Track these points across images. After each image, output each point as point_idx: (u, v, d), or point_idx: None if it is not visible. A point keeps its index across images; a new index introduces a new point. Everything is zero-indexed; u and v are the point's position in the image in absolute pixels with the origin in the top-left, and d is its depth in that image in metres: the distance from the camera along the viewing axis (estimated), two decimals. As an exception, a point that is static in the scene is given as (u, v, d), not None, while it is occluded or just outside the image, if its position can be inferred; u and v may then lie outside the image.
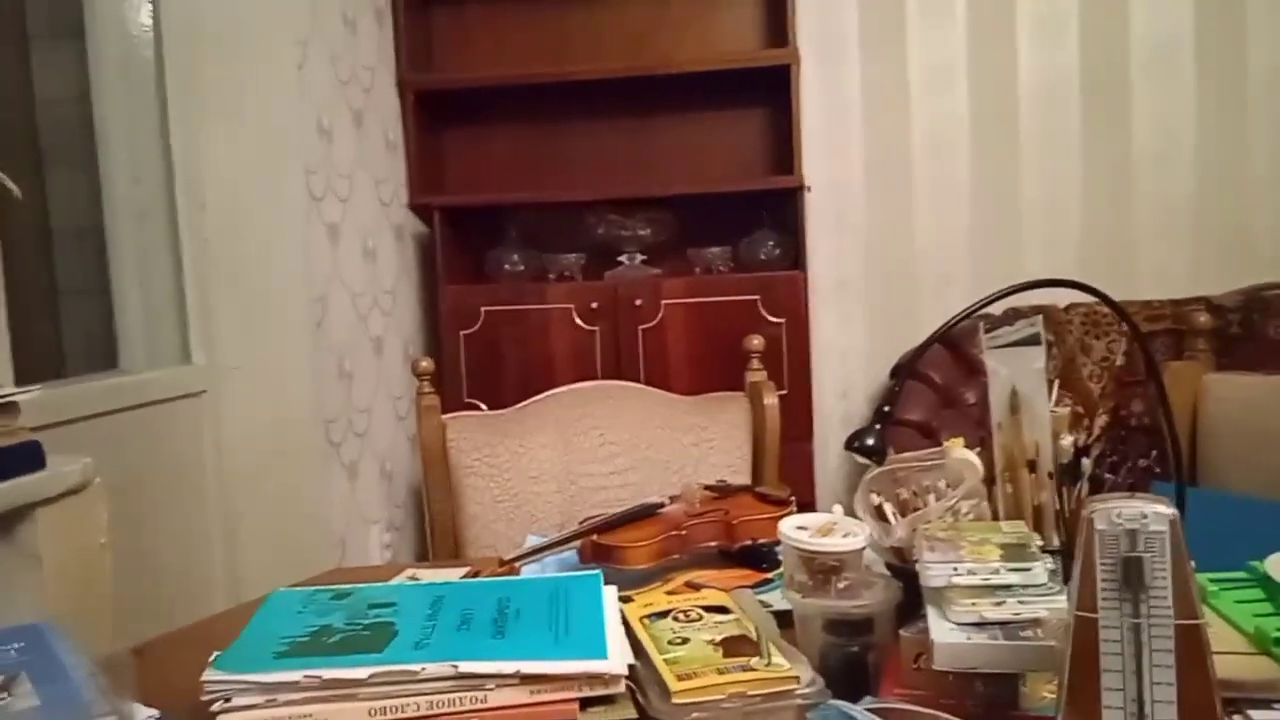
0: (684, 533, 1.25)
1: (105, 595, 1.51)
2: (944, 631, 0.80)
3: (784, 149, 2.96)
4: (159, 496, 2.00)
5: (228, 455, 2.18)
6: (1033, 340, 1.03)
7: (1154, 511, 0.67)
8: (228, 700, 0.88)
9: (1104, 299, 1.05)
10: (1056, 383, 1.06)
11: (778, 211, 2.94)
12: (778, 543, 1.16)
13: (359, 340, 2.66)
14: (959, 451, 1.02)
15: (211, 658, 0.91)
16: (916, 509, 1.00)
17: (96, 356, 2.13)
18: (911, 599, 0.94)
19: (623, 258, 3.00)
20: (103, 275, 2.14)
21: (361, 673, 0.88)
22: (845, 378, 3.22)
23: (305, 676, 0.88)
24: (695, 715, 0.88)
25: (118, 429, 1.89)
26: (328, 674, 0.88)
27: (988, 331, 1.04)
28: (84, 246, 2.14)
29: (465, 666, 0.89)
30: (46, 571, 1.44)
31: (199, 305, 2.17)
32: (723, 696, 0.89)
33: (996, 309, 1.87)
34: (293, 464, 2.31)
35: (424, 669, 0.89)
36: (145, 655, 1.11)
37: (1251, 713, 0.72)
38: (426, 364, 1.73)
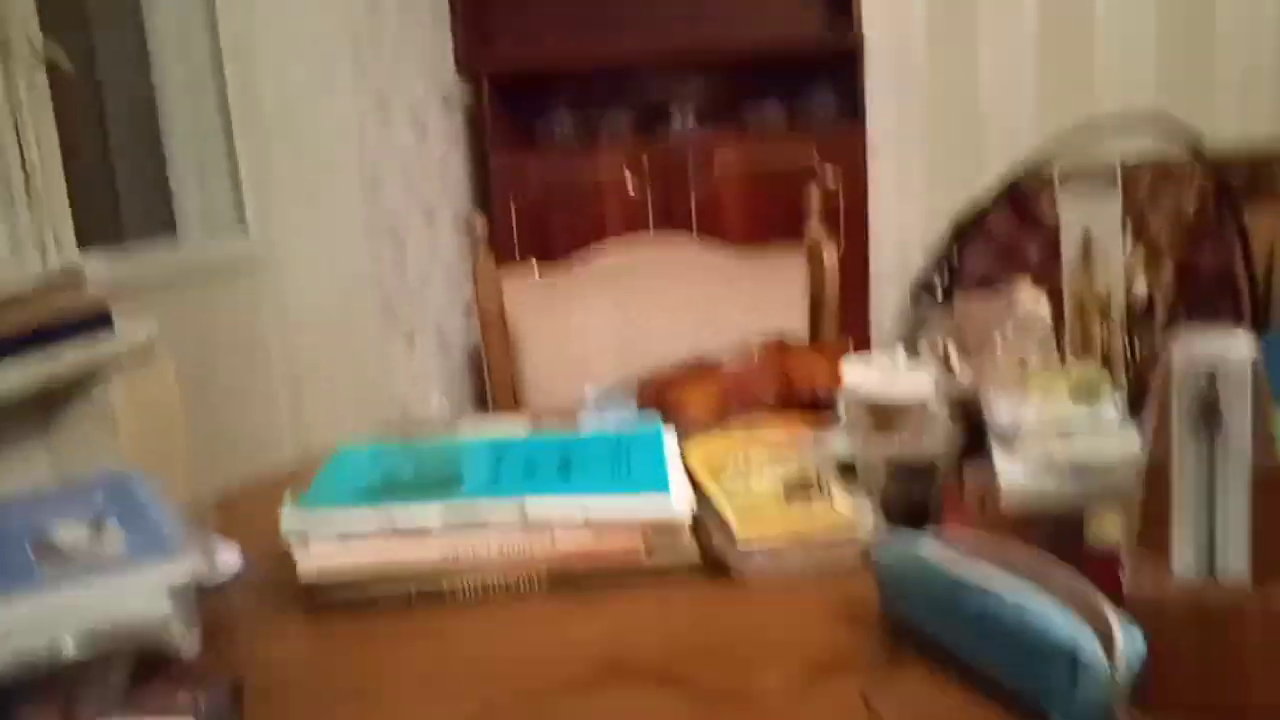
0: (743, 387, 1.25)
1: (179, 453, 1.56)
2: (1012, 473, 0.80)
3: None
4: (224, 364, 2.05)
5: (289, 323, 2.22)
6: (1109, 187, 0.99)
7: (1234, 348, 0.65)
8: (304, 542, 0.91)
9: (1182, 134, 1.00)
10: (1130, 227, 1.03)
11: (835, 65, 2.84)
12: (837, 392, 1.16)
13: (411, 210, 2.66)
14: (1027, 294, 1.00)
15: (286, 502, 0.94)
16: (983, 353, 0.99)
17: (154, 225, 2.16)
18: (976, 443, 0.93)
19: (674, 120, 2.93)
20: (156, 147, 2.15)
21: (433, 514, 0.91)
22: (904, 233, 3.14)
23: (379, 519, 0.91)
24: (759, 557, 0.90)
25: (180, 297, 1.93)
26: (400, 516, 0.91)
27: (1062, 181, 1.00)
28: (137, 118, 2.14)
29: (533, 508, 0.91)
30: (122, 430, 1.49)
31: (252, 175, 2.17)
32: (786, 539, 0.90)
33: (1064, 168, 1.80)
34: (352, 331, 2.35)
35: (493, 510, 0.91)
36: (224, 506, 1.15)
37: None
38: (480, 223, 1.72)
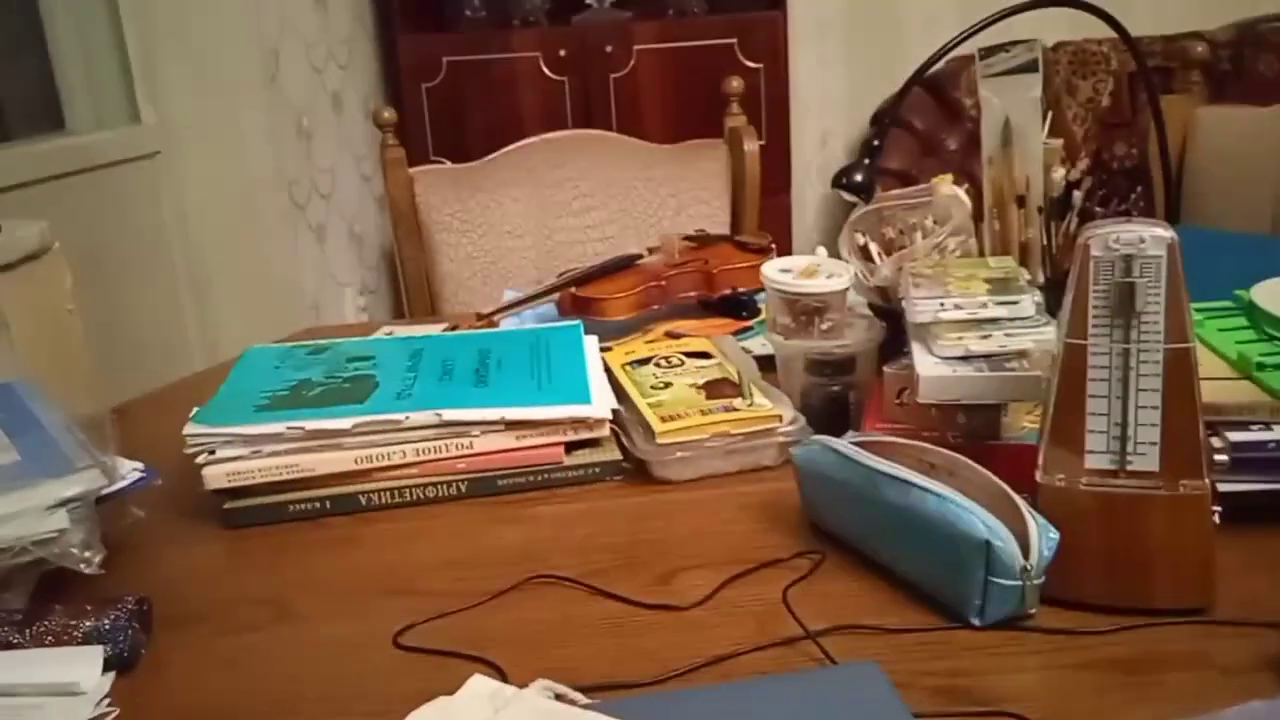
0: (663, 283, 1.23)
1: (77, 360, 1.49)
2: (929, 365, 0.80)
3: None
4: (123, 262, 1.95)
5: (191, 219, 2.12)
6: (1029, 67, 0.97)
7: (1152, 235, 0.65)
8: (211, 453, 0.88)
9: (1105, 17, 0.99)
10: (1050, 114, 1.02)
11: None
12: (759, 291, 1.15)
13: (316, 96, 2.53)
14: (946, 188, 0.99)
15: (192, 413, 0.90)
16: (902, 248, 0.98)
17: (40, 119, 2.02)
18: (895, 339, 0.93)
19: (591, 1, 2.83)
20: (36, 29, 2.00)
21: (345, 423, 0.88)
22: (825, 125, 3.13)
23: (289, 428, 0.88)
24: (679, 454, 0.89)
25: (71, 193, 1.82)
26: (311, 425, 0.88)
27: (983, 58, 0.98)
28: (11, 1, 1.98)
29: (450, 414, 0.89)
30: (14, 337, 1.42)
31: (143, 60, 2.04)
32: (706, 436, 0.89)
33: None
34: (258, 227, 2.25)
35: (408, 418, 0.89)
36: (125, 415, 1.10)
37: (1229, 434, 0.73)
38: (389, 114, 1.64)
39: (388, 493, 0.89)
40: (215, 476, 0.87)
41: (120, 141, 2.01)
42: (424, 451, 0.89)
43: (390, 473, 0.89)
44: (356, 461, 0.89)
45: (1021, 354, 0.79)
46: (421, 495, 0.90)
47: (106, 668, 0.67)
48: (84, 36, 2.02)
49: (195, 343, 2.14)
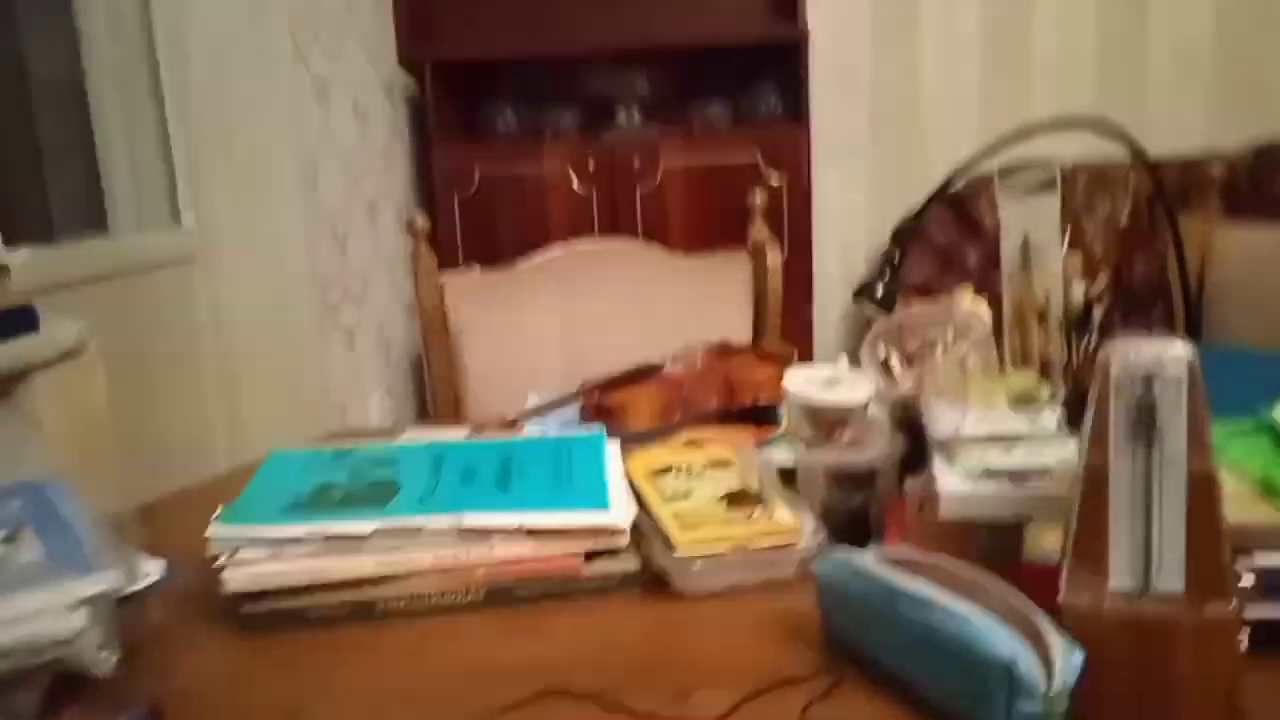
0: (685, 392, 1.24)
1: (107, 458, 1.51)
2: (950, 481, 0.80)
3: (786, -1, 2.84)
4: (157, 362, 1.99)
5: (224, 320, 2.16)
6: (1047, 188, 0.99)
7: (1171, 354, 0.65)
8: (233, 554, 0.88)
9: (1124, 139, 1.01)
10: (1069, 230, 1.03)
11: (779, 64, 2.85)
12: (780, 401, 1.15)
13: (352, 204, 2.61)
14: (967, 301, 1.00)
15: (216, 513, 0.91)
16: (924, 361, 0.99)
17: (85, 220, 2.09)
18: (917, 452, 0.93)
19: (620, 116, 2.92)
20: (86, 134, 2.08)
21: (366, 527, 0.88)
22: (847, 239, 3.18)
23: (309, 531, 0.88)
24: (698, 566, 0.89)
25: (111, 294, 1.87)
26: (332, 529, 0.88)
27: (1002, 178, 1.00)
28: (65, 104, 2.07)
29: (469, 520, 0.89)
30: (48, 435, 1.44)
31: (186, 165, 2.11)
32: (726, 548, 0.89)
33: (1004, 172, 1.82)
34: (290, 329, 2.30)
35: (428, 523, 0.89)
36: (151, 514, 1.11)
37: (1256, 557, 0.72)
38: (422, 221, 1.69)
39: (405, 599, 0.89)
40: (236, 579, 0.87)
41: (160, 244, 2.08)
42: (443, 558, 0.89)
43: (409, 579, 0.89)
44: (375, 567, 0.89)
45: (1043, 471, 0.79)
46: (439, 603, 0.89)
47: (116, 774, 0.67)
48: (132, 142, 2.10)
49: (223, 442, 2.16)
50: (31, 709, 0.72)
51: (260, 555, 0.88)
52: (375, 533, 0.88)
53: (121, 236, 2.09)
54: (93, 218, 2.09)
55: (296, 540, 0.88)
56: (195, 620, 0.89)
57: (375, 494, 0.95)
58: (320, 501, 0.94)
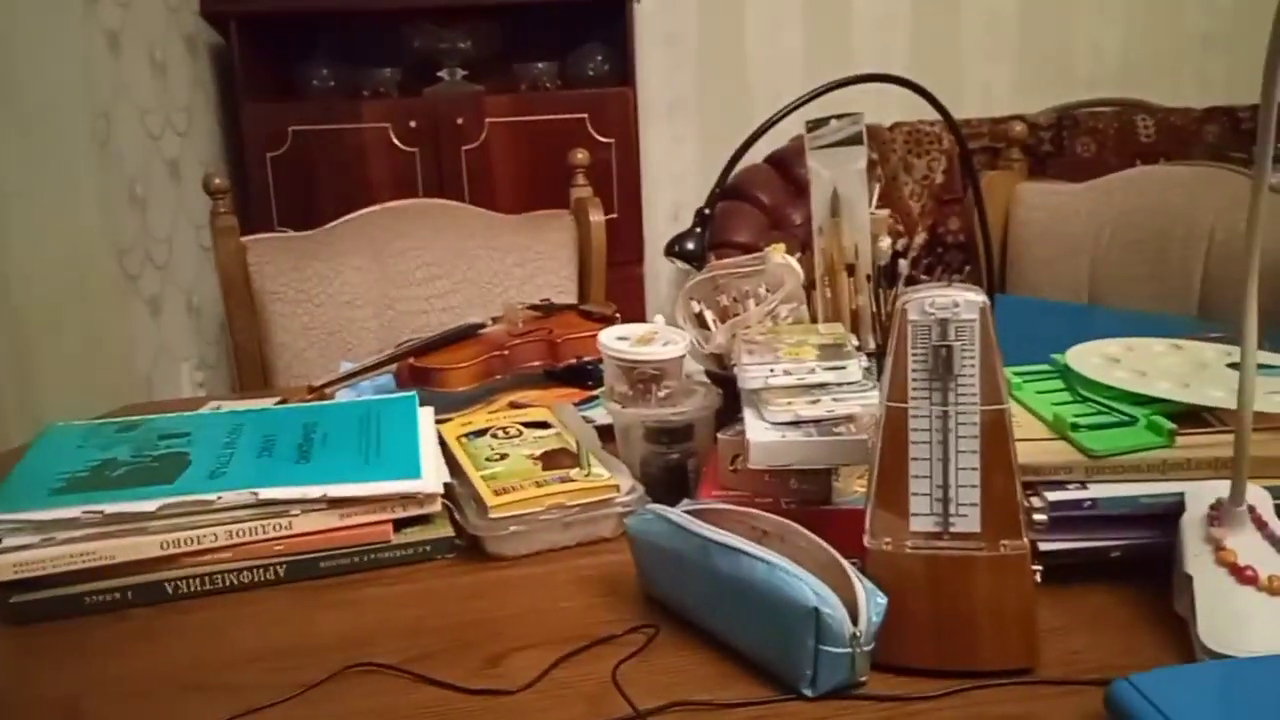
0: (506, 353, 1.21)
1: None
2: (760, 431, 0.79)
3: (611, -43, 2.80)
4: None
5: (13, 288, 1.98)
6: (854, 140, 1.00)
7: (965, 300, 0.66)
8: (-2, 541, 0.80)
9: (927, 97, 1.03)
10: (878, 186, 1.05)
11: (606, 24, 2.81)
12: (602, 360, 1.14)
13: (152, 163, 2.43)
14: (779, 256, 1.00)
15: (-23, 498, 0.83)
16: (736, 315, 0.99)
17: None
18: (731, 405, 0.93)
19: (443, 73, 2.83)
20: None
21: (149, 505, 0.82)
22: (677, 201, 3.19)
23: (85, 512, 0.81)
24: (514, 528, 0.86)
25: None
26: (111, 508, 0.81)
27: (810, 130, 1.01)
28: None
29: (267, 493, 0.84)
30: None
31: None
32: (541, 508, 0.87)
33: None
34: (87, 297, 2.13)
35: (220, 498, 0.83)
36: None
37: (1047, 493, 0.75)
38: (220, 181, 1.58)
39: (198, 579, 0.83)
40: (1, 567, 0.79)
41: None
42: (238, 534, 0.84)
43: (200, 557, 0.83)
44: (162, 546, 0.82)
45: (849, 418, 0.80)
46: (236, 581, 0.84)
47: None
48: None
49: (14, 422, 1.99)
50: None
51: (29, 540, 0.80)
52: (160, 509, 0.82)
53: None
54: None
55: (70, 522, 0.80)
56: (-44, 615, 0.81)
57: (162, 469, 0.88)
58: (99, 479, 0.86)
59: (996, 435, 0.67)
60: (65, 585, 0.81)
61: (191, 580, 0.83)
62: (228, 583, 0.84)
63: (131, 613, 0.81)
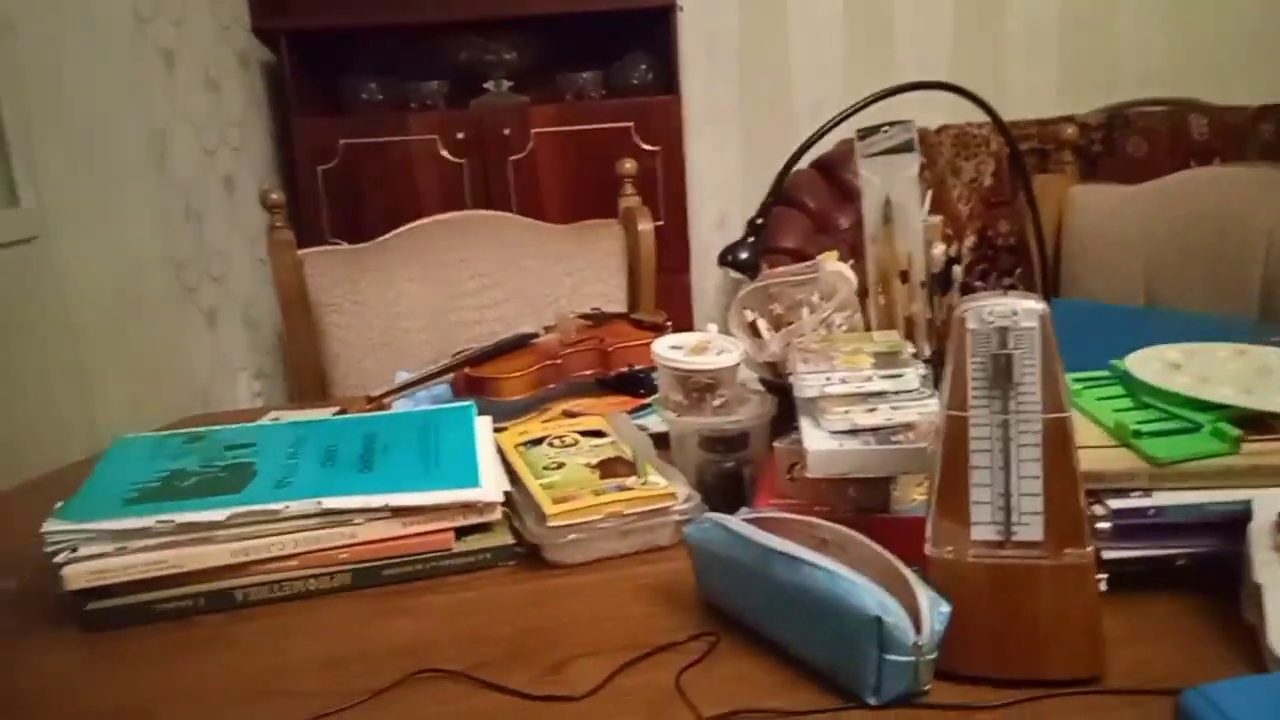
0: (559, 362, 1.22)
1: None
2: (817, 439, 0.80)
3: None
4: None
5: (72, 305, 2.03)
6: (906, 147, 1.00)
7: (1024, 308, 0.66)
8: (73, 551, 0.82)
9: (977, 101, 1.03)
10: (930, 191, 1.05)
11: (649, 33, 2.82)
12: (654, 368, 1.14)
13: (207, 178, 2.49)
14: (832, 264, 1.00)
15: (54, 508, 0.85)
16: (790, 323, 0.99)
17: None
18: (786, 413, 0.93)
19: (488, 85, 2.85)
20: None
21: (219, 515, 0.84)
22: (722, 208, 3.20)
23: (157, 522, 0.83)
24: (572, 536, 0.87)
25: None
26: (182, 518, 0.83)
27: (861, 139, 1.01)
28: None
29: (331, 502, 0.86)
30: None
31: (20, 141, 1.97)
32: (599, 516, 0.87)
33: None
34: (145, 312, 2.18)
35: (286, 507, 0.85)
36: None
37: (1110, 501, 0.74)
38: (277, 195, 1.61)
39: (265, 587, 0.85)
40: (76, 576, 0.82)
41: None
42: (304, 542, 0.86)
43: (268, 566, 0.85)
44: (231, 555, 0.84)
45: (908, 427, 0.80)
46: (302, 588, 0.86)
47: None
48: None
49: (77, 435, 2.04)
50: None
51: (103, 549, 0.82)
52: (229, 518, 0.83)
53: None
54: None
55: (142, 532, 0.82)
56: (35, 621, 0.83)
57: (230, 479, 0.90)
58: (169, 490, 0.88)
59: (1058, 443, 0.67)
60: (137, 593, 0.83)
61: (259, 588, 0.85)
62: (294, 590, 0.85)
63: (201, 620, 0.83)
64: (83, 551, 0.82)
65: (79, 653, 0.80)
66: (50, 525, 0.83)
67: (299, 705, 0.69)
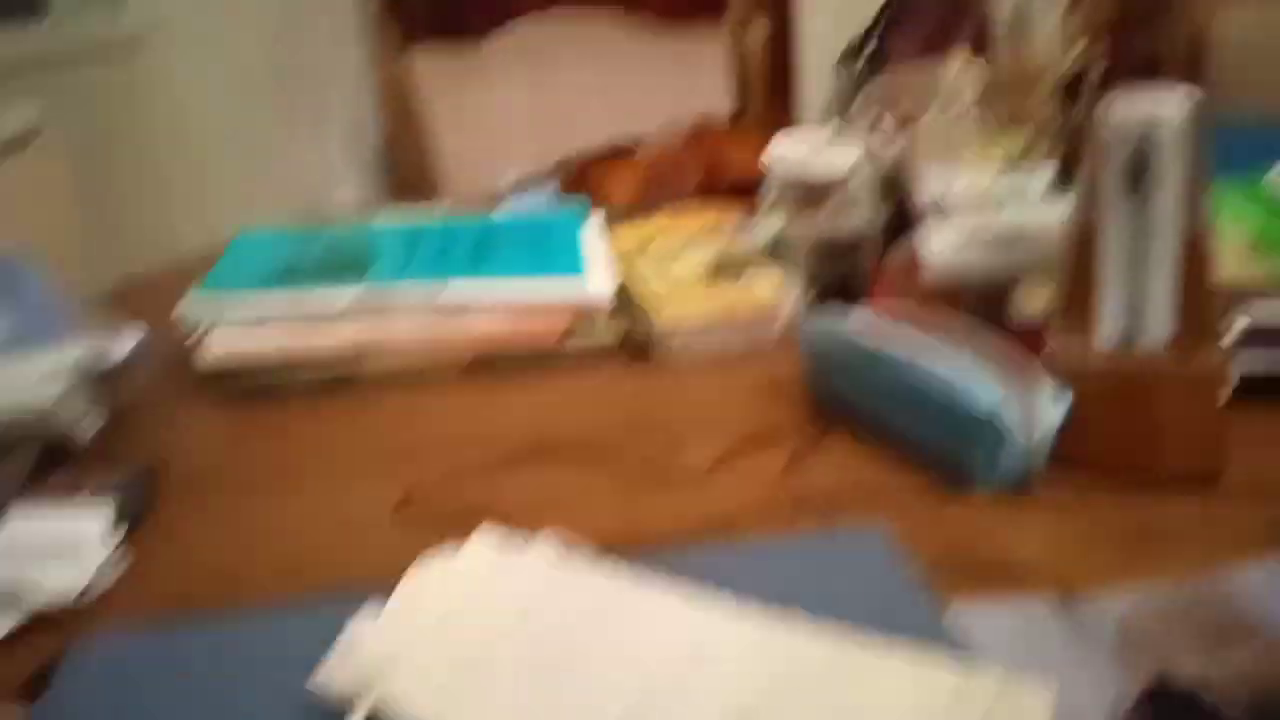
0: (665, 170, 1.21)
1: (71, 246, 1.48)
2: (938, 244, 0.78)
3: None
4: (110, 156, 1.91)
5: (179, 110, 2.07)
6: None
7: (1171, 103, 0.63)
8: (209, 330, 0.86)
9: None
10: (1067, -5, 0.98)
11: None
12: (762, 178, 1.12)
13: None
14: (958, 65, 0.96)
15: (189, 290, 0.89)
16: (914, 124, 0.96)
17: (16, 7, 1.96)
18: (903, 220, 0.91)
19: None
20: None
21: (343, 297, 0.87)
22: (838, 10, 3.04)
23: (286, 303, 0.86)
24: (681, 336, 0.88)
25: (54, 83, 1.77)
26: (308, 300, 0.87)
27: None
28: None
29: (448, 294, 0.88)
30: (3, 222, 1.40)
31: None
32: (709, 317, 0.88)
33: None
34: (251, 116, 2.20)
35: (405, 295, 0.88)
36: (120, 298, 1.09)
37: (1242, 310, 0.72)
38: (382, -3, 1.59)
39: (387, 373, 0.88)
40: (214, 352, 0.86)
41: (105, 27, 1.96)
42: (422, 331, 0.88)
43: (388, 352, 0.88)
44: (354, 339, 0.88)
45: (1033, 231, 0.78)
46: (420, 375, 0.89)
47: (114, 528, 0.67)
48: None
49: (188, 236, 2.11)
50: (19, 476, 0.72)
51: (237, 329, 0.86)
52: (353, 303, 0.86)
53: (61, 20, 1.96)
54: (25, 4, 1.95)
55: (273, 312, 0.86)
56: (175, 395, 0.88)
57: (350, 268, 0.93)
58: (294, 275, 0.92)
59: (1194, 250, 0.64)
60: (269, 371, 0.87)
61: (381, 373, 0.88)
62: (413, 376, 0.89)
63: (327, 399, 0.87)
64: (217, 329, 0.86)
65: (220, 425, 0.86)
66: (187, 304, 0.87)
67: (428, 473, 0.73)
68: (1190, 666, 0.48)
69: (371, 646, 0.45)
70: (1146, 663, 0.50)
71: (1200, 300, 0.65)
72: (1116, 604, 0.54)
